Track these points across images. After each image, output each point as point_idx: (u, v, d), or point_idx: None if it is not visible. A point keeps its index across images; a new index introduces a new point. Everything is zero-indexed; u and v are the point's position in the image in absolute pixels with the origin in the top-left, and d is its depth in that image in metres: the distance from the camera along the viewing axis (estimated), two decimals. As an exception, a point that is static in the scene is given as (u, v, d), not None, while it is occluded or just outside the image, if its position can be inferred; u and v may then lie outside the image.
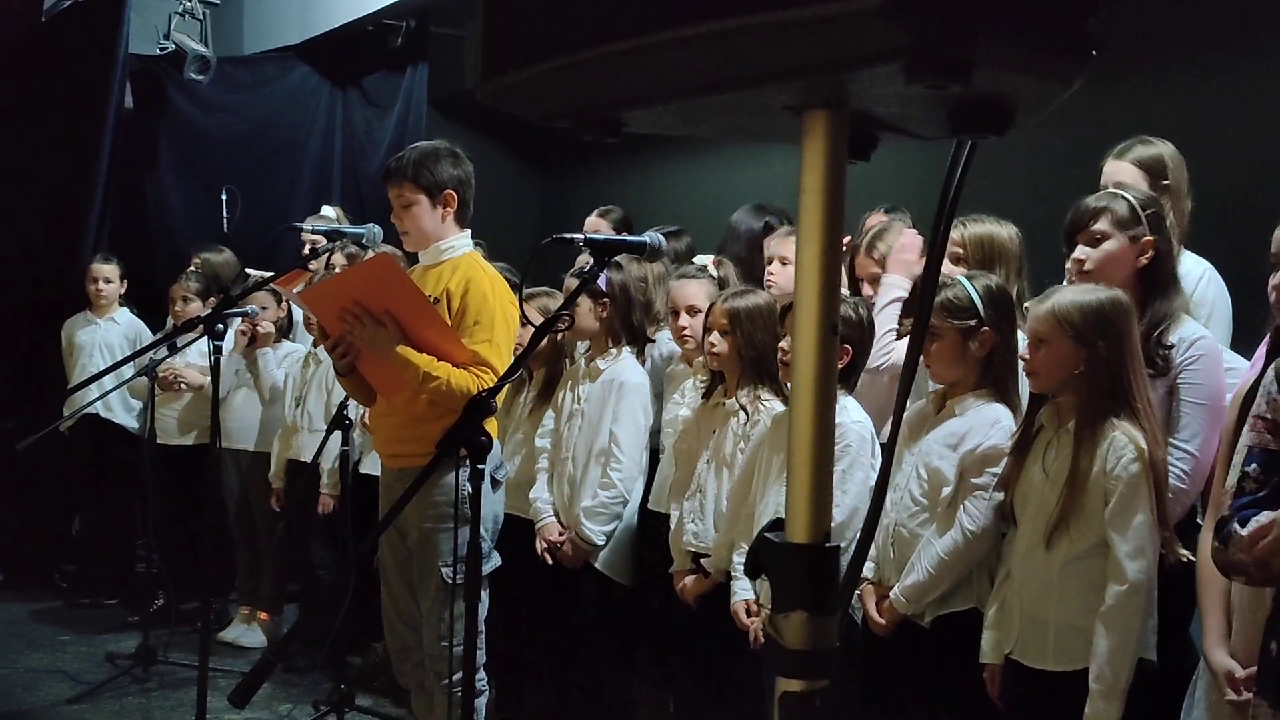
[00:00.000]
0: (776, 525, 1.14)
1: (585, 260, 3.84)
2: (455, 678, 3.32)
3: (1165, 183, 3.41)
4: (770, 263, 3.96)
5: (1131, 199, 2.96)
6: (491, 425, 3.18)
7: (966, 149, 1.14)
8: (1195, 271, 3.38)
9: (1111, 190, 3.05)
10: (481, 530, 3.08)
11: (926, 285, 1.36)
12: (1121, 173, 3.50)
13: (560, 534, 4.11)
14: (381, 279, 3.25)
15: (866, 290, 3.71)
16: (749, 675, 3.37)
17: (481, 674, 3.53)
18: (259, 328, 5.58)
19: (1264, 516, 1.98)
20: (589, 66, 1.01)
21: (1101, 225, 2.93)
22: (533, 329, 2.69)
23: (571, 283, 4.08)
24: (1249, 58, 4.04)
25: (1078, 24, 0.92)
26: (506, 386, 3.38)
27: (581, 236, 2.58)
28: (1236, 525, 2.03)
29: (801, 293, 1.08)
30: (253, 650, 5.62)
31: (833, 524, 2.99)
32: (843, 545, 3.12)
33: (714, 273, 3.99)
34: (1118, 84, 4.21)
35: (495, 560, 3.51)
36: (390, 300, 3.23)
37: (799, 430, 1.09)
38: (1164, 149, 3.44)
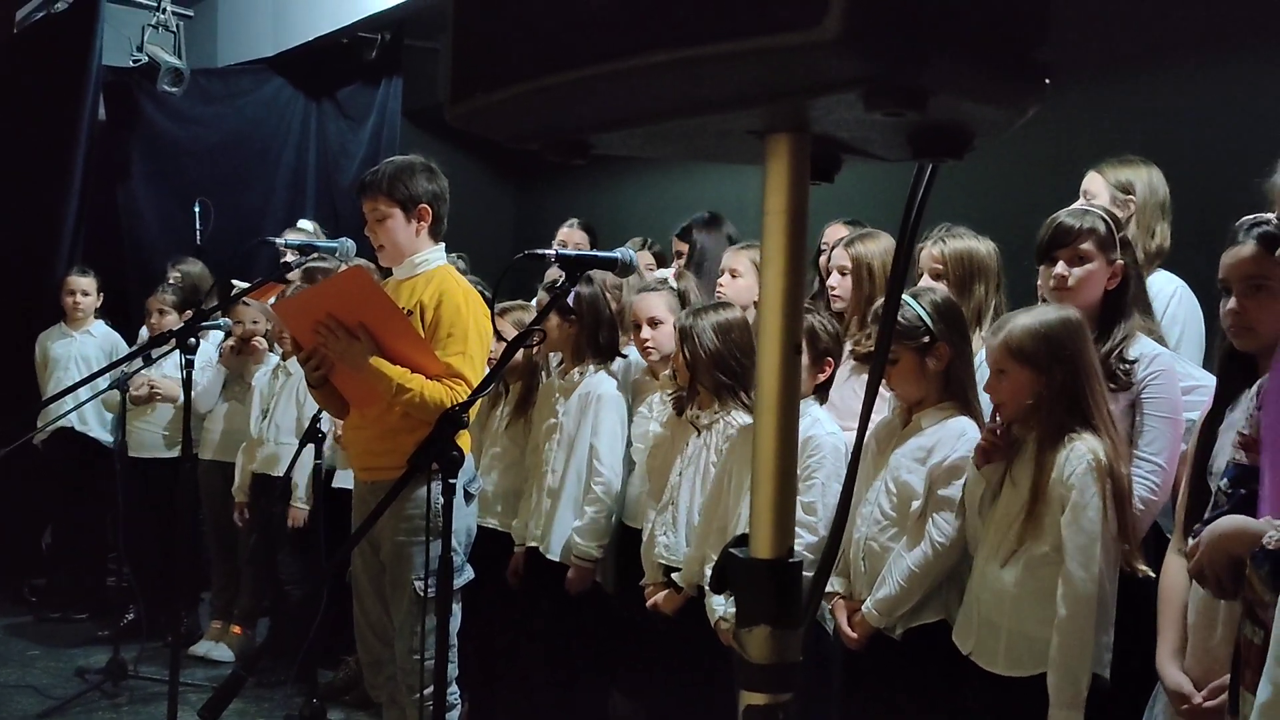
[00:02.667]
0: (741, 541, 1.16)
1: (556, 273, 3.86)
2: (427, 691, 3.32)
3: (1130, 198, 3.48)
4: (723, 274, 4.01)
5: (1108, 220, 3.02)
6: (465, 439, 3.20)
7: (928, 172, 1.16)
8: (1167, 289, 3.43)
9: (1087, 209, 3.10)
10: (454, 543, 3.09)
11: (890, 303, 1.39)
12: (1093, 183, 3.58)
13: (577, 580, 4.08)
14: (355, 292, 3.26)
15: (834, 279, 3.74)
16: (723, 687, 3.39)
17: (454, 687, 3.54)
18: (254, 342, 5.57)
19: (1204, 530, 2.04)
20: (556, 91, 1.04)
21: (1087, 245, 2.98)
22: (504, 344, 2.71)
23: (544, 296, 4.10)
24: (1227, 73, 4.09)
25: (1030, 53, 0.95)
26: (479, 401, 3.39)
27: (554, 252, 2.60)
28: (1190, 538, 2.09)
29: (765, 313, 1.10)
30: (224, 664, 5.60)
31: (814, 539, 3.03)
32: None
33: (674, 285, 4.01)
34: (1097, 99, 4.26)
35: (468, 573, 3.52)
36: (364, 313, 3.24)
37: (762, 448, 1.11)
38: (1141, 171, 3.51)
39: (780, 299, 1.10)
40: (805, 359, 3.31)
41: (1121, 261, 3.01)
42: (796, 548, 3.16)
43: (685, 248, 4.70)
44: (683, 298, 3.93)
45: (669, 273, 4.16)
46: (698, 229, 4.72)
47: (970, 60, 0.90)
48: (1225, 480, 2.19)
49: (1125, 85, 4.30)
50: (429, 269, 3.52)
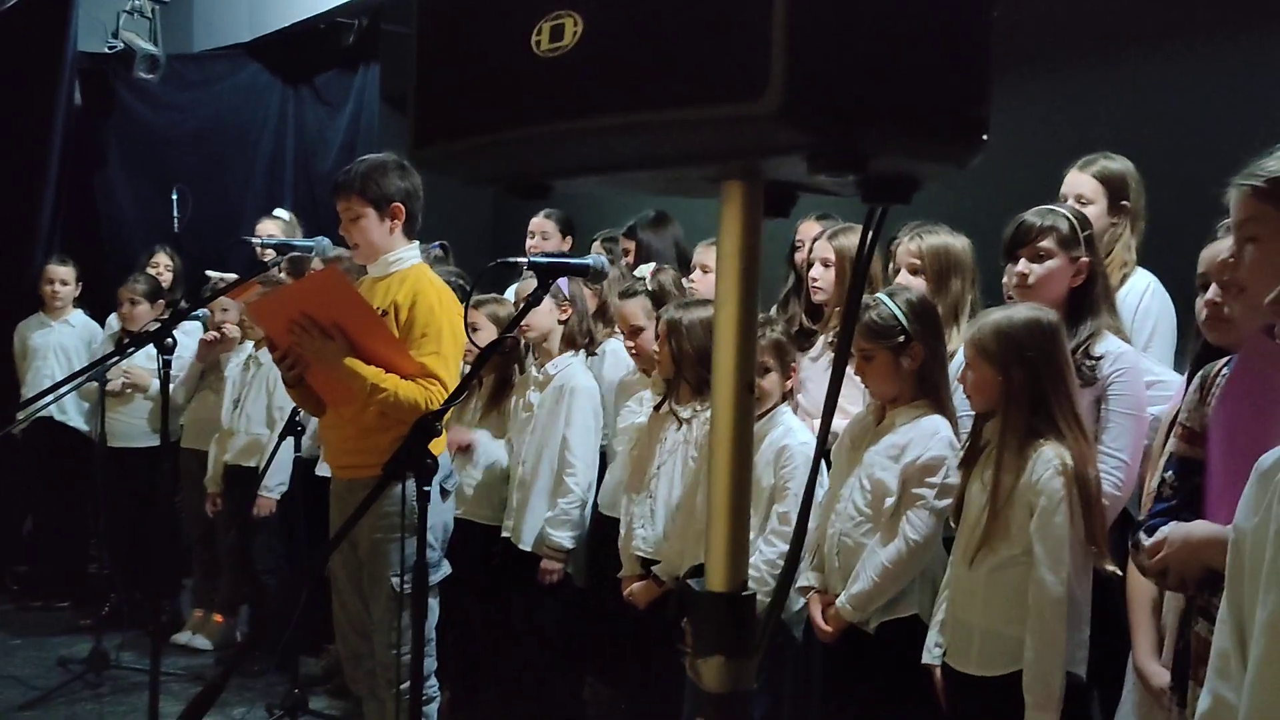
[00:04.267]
0: (698, 571, 1.20)
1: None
2: (405, 685, 3.36)
3: (1125, 202, 3.51)
4: (693, 269, 4.05)
5: (1072, 218, 3.06)
6: (439, 441, 3.23)
7: (878, 213, 1.20)
8: (1140, 285, 3.48)
9: (1051, 209, 3.14)
10: (431, 539, 3.13)
11: (846, 322, 1.43)
12: (1082, 185, 3.59)
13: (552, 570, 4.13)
14: (329, 291, 3.28)
15: (816, 271, 3.76)
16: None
17: (432, 680, 3.59)
18: (224, 330, 5.58)
19: (1163, 531, 2.08)
20: (514, 144, 1.07)
21: (1047, 243, 3.03)
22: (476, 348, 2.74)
23: (525, 288, 4.13)
24: (1201, 69, 4.11)
25: (969, 112, 0.99)
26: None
27: (527, 260, 2.63)
28: (1143, 535, 2.13)
29: (719, 353, 1.14)
30: (206, 653, 5.63)
31: (785, 548, 3.05)
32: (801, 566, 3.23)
33: (649, 285, 4.02)
34: (1072, 95, 4.29)
35: (445, 569, 3.56)
36: (338, 312, 3.26)
37: (716, 485, 1.15)
38: (1126, 167, 3.54)
39: (734, 339, 1.14)
40: (774, 375, 3.36)
41: (1087, 259, 3.06)
42: (772, 556, 3.23)
43: (632, 245, 4.73)
44: (660, 293, 3.95)
45: (648, 270, 4.18)
46: (643, 228, 4.76)
47: (908, 125, 0.94)
48: (1169, 473, 2.23)
49: (1098, 80, 4.33)
50: (403, 268, 3.54)
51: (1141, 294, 3.47)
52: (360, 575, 3.55)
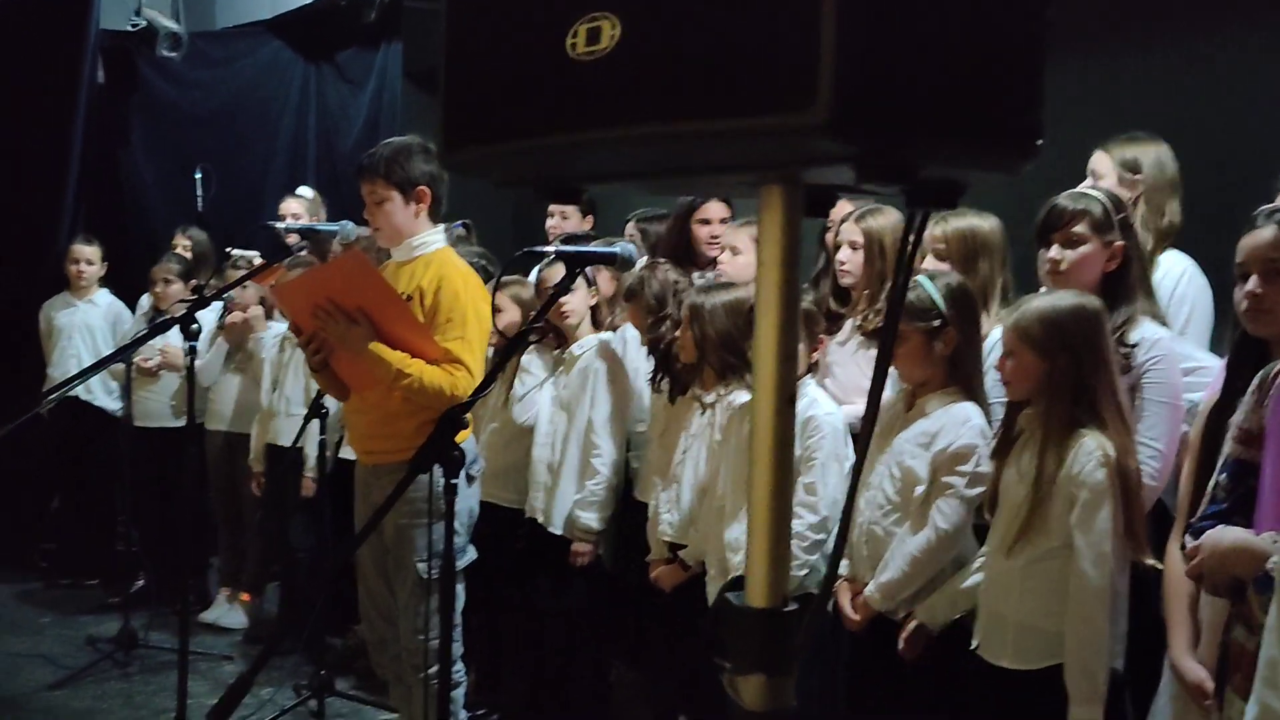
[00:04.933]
0: (736, 585, 1.17)
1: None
2: (432, 670, 3.36)
3: (1137, 177, 3.45)
4: (722, 250, 3.99)
5: (1105, 202, 3.00)
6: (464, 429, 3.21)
7: (920, 217, 1.16)
8: (1175, 269, 3.42)
9: (1084, 191, 3.08)
10: (456, 525, 3.11)
11: (889, 322, 1.39)
12: (1100, 164, 3.54)
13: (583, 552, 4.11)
14: (353, 276, 3.26)
15: (844, 254, 3.71)
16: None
17: (459, 664, 3.58)
18: (249, 317, 5.58)
19: (1206, 536, 2.04)
20: (548, 150, 1.04)
21: (1080, 228, 2.96)
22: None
23: (548, 274, 4.10)
24: (1240, 49, 4.02)
25: (1021, 119, 0.95)
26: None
27: (553, 249, 2.59)
28: (1189, 538, 2.09)
29: (759, 365, 1.11)
30: (234, 631, 5.66)
31: (816, 519, 3.05)
32: (822, 538, 3.20)
33: (648, 286, 3.96)
34: (1104, 76, 4.21)
35: (470, 554, 3.55)
36: (362, 297, 3.23)
37: (757, 497, 1.12)
38: (1148, 148, 3.47)
39: (775, 350, 1.10)
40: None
41: (1121, 243, 3.00)
42: (799, 528, 3.20)
43: (637, 232, 4.66)
44: (658, 294, 3.90)
45: (642, 264, 4.11)
46: (645, 221, 4.69)
47: (959, 134, 0.90)
48: (1224, 476, 2.19)
49: (1136, 61, 4.24)
50: (427, 252, 3.51)
51: (1178, 278, 3.41)
52: (385, 561, 3.54)
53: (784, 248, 1.09)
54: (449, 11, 1.14)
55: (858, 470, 1.23)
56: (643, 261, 4.01)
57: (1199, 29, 4.14)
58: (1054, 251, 3.00)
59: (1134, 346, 2.90)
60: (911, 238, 1.18)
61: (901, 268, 1.21)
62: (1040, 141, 0.97)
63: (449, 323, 3.35)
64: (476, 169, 1.15)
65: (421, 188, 3.48)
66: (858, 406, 3.64)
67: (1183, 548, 2.14)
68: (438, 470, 2.88)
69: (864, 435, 1.32)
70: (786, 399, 1.10)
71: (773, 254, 1.09)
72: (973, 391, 3.02)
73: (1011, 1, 0.92)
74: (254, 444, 5.55)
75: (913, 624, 2.97)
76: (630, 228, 4.71)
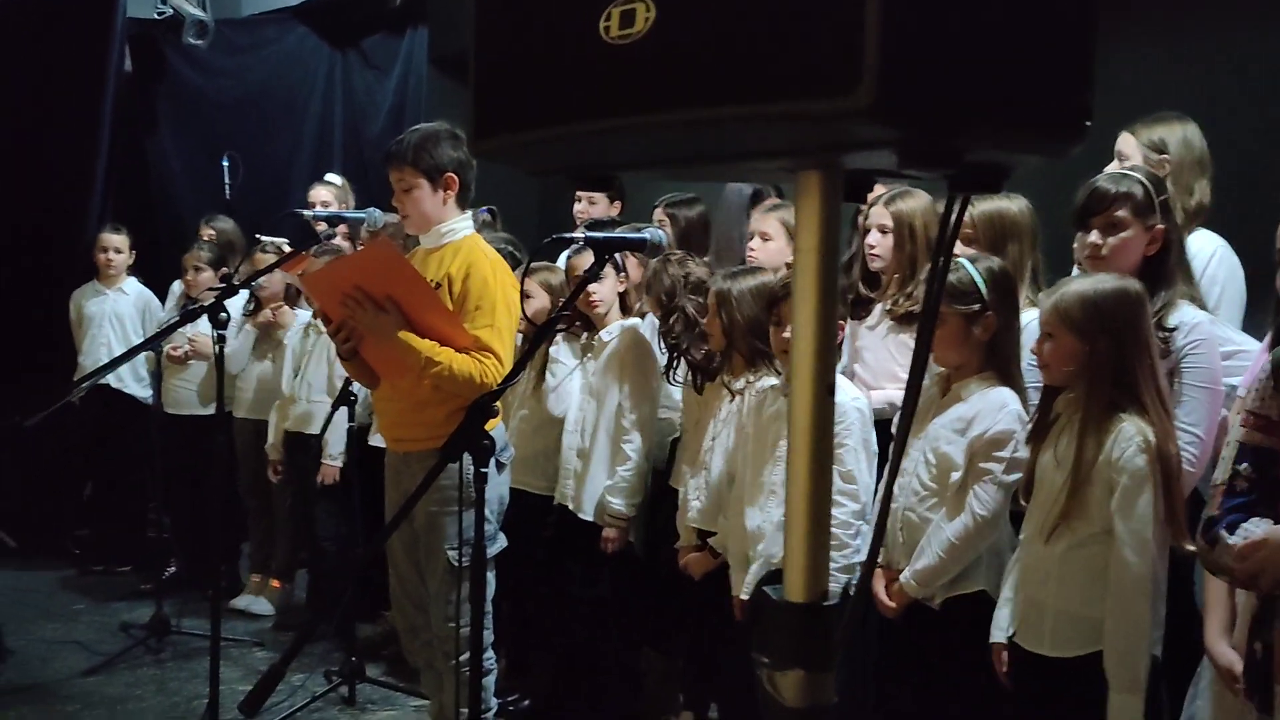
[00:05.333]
0: (774, 578, 1.15)
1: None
2: (463, 658, 3.35)
3: (1164, 157, 3.39)
4: (752, 238, 3.95)
5: (1147, 184, 2.94)
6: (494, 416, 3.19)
7: (960, 201, 1.13)
8: (1206, 249, 3.36)
9: (1125, 173, 3.02)
10: (486, 513, 3.10)
11: (928, 307, 1.36)
12: (1125, 144, 3.48)
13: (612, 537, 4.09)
14: (382, 264, 3.24)
15: (873, 238, 3.67)
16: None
17: (489, 652, 3.58)
18: (275, 314, 5.61)
19: (1257, 530, 1.98)
20: (582, 137, 1.01)
21: (1123, 212, 2.91)
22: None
23: (577, 260, 4.08)
24: (1271, 30, 3.96)
25: (1071, 101, 0.92)
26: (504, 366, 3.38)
27: (582, 235, 2.56)
28: (1224, 532, 2.03)
29: (797, 355, 1.08)
30: (264, 618, 5.68)
31: (857, 506, 3.01)
32: (863, 526, 3.17)
33: (662, 280, 3.92)
34: (1134, 55, 4.15)
35: (501, 542, 3.54)
36: (391, 285, 3.22)
37: (795, 490, 1.09)
38: (1174, 128, 3.42)
39: (813, 340, 1.08)
40: None
41: (1162, 226, 2.95)
42: (843, 517, 3.17)
43: (666, 218, 4.62)
44: (674, 284, 3.87)
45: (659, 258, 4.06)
46: (674, 206, 4.65)
47: (1007, 117, 0.87)
48: (1245, 465, 2.12)
49: (1164, 40, 4.18)
50: (456, 239, 3.50)
51: (1209, 259, 3.35)
52: (416, 548, 3.53)
53: (822, 234, 1.06)
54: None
55: (896, 457, 1.21)
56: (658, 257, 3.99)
57: (1230, 8, 4.07)
58: (1094, 236, 2.95)
59: (1173, 330, 2.86)
60: (951, 222, 1.16)
61: (941, 251, 1.19)
62: (1089, 123, 0.94)
63: (478, 310, 3.33)
64: (507, 156, 1.13)
65: (449, 174, 3.46)
66: (889, 391, 3.61)
67: (1211, 541, 2.08)
68: (468, 458, 2.87)
69: (903, 421, 1.30)
70: (825, 389, 1.08)
71: (810, 241, 1.07)
72: (1010, 377, 2.98)
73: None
74: (272, 431, 5.56)
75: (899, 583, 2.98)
76: (658, 213, 4.67)
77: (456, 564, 3.34)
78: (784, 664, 1.09)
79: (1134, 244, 2.92)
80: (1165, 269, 2.92)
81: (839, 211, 1.07)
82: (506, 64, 1.09)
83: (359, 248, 5.15)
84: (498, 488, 3.51)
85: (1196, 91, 3.98)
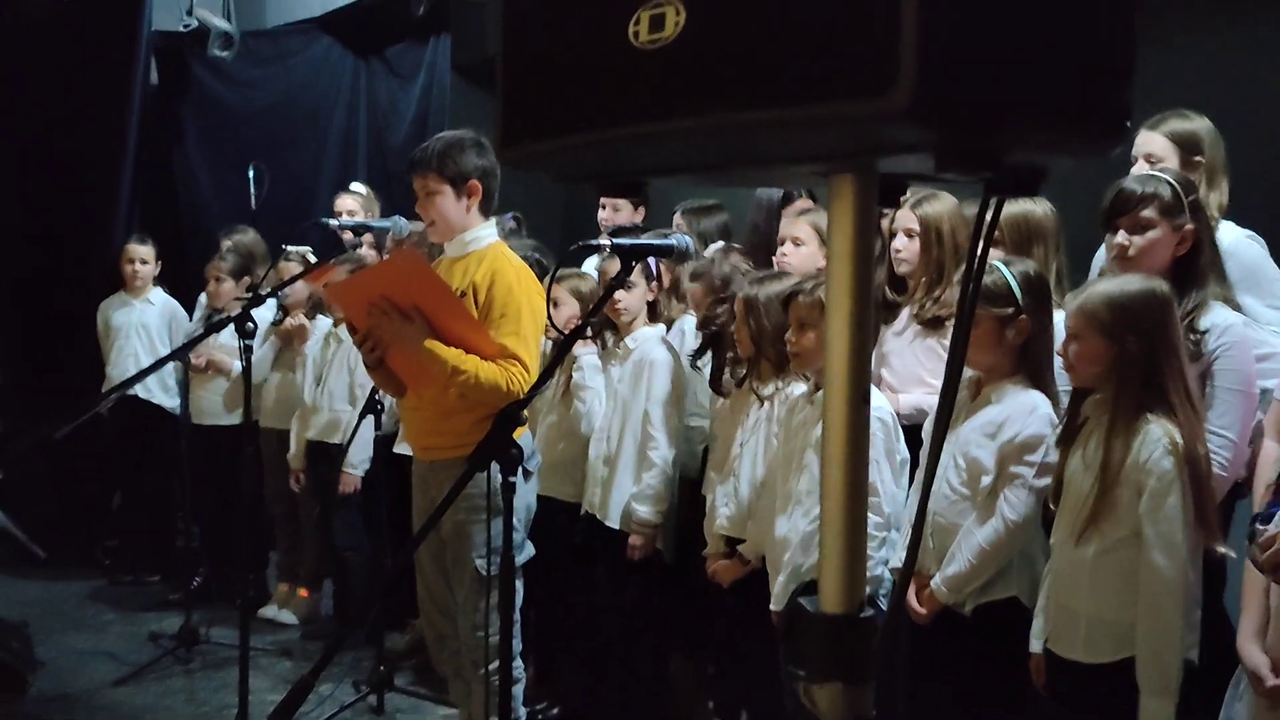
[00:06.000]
0: (810, 589, 1.13)
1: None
2: (492, 666, 3.34)
3: (1198, 158, 3.35)
4: (783, 242, 3.93)
5: (1176, 184, 2.91)
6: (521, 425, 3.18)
7: (994, 203, 1.11)
8: (1225, 239, 3.31)
9: (1153, 174, 2.99)
10: (514, 521, 3.09)
11: (963, 312, 1.34)
12: (1153, 144, 3.43)
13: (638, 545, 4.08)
14: (408, 273, 3.24)
15: (899, 242, 3.64)
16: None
17: (518, 660, 3.56)
18: (291, 321, 5.63)
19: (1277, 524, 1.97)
20: (609, 143, 1.00)
21: (1149, 213, 2.88)
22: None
23: (608, 266, 4.06)
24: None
25: (1112, 100, 0.90)
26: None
27: (609, 242, 2.55)
28: (1259, 524, 2.02)
29: (831, 362, 1.07)
30: (291, 627, 5.69)
31: (880, 518, 2.98)
32: (890, 536, 3.14)
33: (717, 266, 3.91)
34: (1153, 52, 4.10)
35: (529, 550, 3.53)
36: (417, 294, 3.22)
37: (830, 499, 1.07)
38: (1200, 124, 3.37)
39: (847, 347, 1.06)
40: None
41: (1191, 226, 2.91)
42: (867, 529, 3.12)
43: (685, 225, 4.60)
44: (728, 275, 3.85)
45: (716, 249, 4.05)
46: (694, 213, 4.64)
47: (1047, 118, 0.85)
48: None
49: (1180, 37, 4.13)
50: (480, 247, 3.49)
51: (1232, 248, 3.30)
52: (443, 557, 3.53)
53: (856, 239, 1.05)
54: (507, 2, 1.10)
55: (932, 464, 1.18)
56: (717, 246, 3.97)
57: (1255, 6, 4.03)
58: (1120, 237, 2.92)
59: (1204, 333, 2.82)
60: (986, 225, 1.14)
61: (976, 255, 1.17)
62: (1129, 123, 0.92)
63: (503, 318, 3.33)
64: (536, 164, 1.12)
65: (473, 182, 3.46)
66: (916, 396, 3.58)
67: (1251, 538, 2.06)
68: (496, 467, 2.86)
69: (938, 426, 1.28)
70: (860, 396, 1.06)
71: (844, 246, 1.05)
72: (1042, 381, 2.95)
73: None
74: (294, 441, 5.57)
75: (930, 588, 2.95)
76: (677, 219, 4.67)
77: (485, 573, 3.33)
78: (821, 676, 1.07)
79: (1162, 244, 2.89)
80: (1196, 269, 2.89)
81: (874, 216, 1.06)
82: (534, 70, 1.08)
83: (385, 256, 5.17)
84: (525, 496, 3.49)
85: (1219, 88, 3.94)
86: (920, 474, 3.18)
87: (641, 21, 0.94)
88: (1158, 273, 2.84)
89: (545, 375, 2.40)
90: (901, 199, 3.67)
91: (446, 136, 3.53)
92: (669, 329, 4.26)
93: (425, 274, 3.23)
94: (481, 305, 3.36)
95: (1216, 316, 2.84)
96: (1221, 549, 2.57)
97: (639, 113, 0.95)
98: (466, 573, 3.43)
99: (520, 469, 3.12)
